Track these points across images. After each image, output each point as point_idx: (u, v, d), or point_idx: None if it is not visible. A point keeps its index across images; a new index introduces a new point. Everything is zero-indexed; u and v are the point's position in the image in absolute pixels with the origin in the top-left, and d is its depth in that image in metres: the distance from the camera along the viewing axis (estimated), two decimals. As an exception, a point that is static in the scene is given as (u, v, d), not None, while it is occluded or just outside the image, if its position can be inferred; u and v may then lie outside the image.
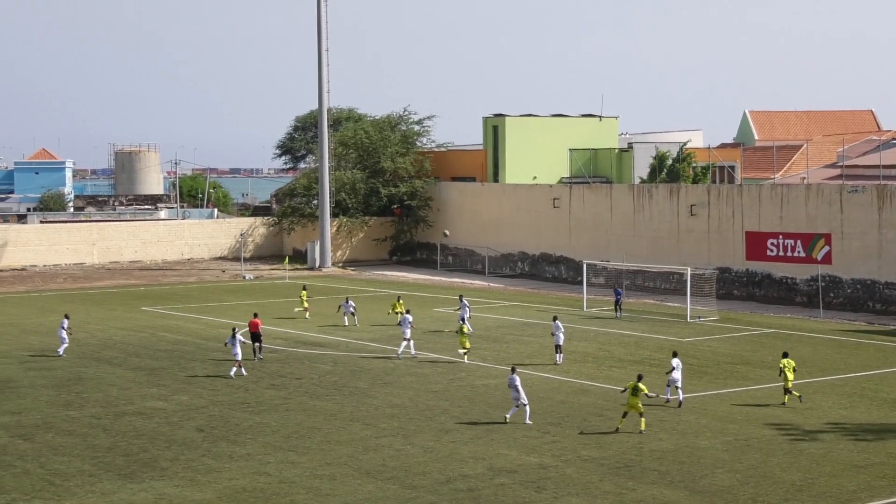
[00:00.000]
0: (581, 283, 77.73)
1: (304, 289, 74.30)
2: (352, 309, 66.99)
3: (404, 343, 55.70)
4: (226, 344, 52.90)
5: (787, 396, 44.84)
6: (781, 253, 78.12)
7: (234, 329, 53.03)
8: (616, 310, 70.98)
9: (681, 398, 44.55)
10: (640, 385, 40.54)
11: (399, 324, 57.26)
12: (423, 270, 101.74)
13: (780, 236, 78.17)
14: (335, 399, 46.36)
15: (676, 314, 70.95)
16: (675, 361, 45.07)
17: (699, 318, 68.91)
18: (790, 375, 44.95)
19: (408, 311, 58.67)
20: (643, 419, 40.39)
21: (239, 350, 51.37)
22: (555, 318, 55.50)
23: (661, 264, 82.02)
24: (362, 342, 60.70)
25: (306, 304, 70.85)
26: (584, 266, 77.63)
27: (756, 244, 79.60)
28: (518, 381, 41.73)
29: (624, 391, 41.87)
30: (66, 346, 57.03)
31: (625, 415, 40.70)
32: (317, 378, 50.84)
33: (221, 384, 49.42)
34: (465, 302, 65.54)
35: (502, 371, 51.55)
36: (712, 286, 74.61)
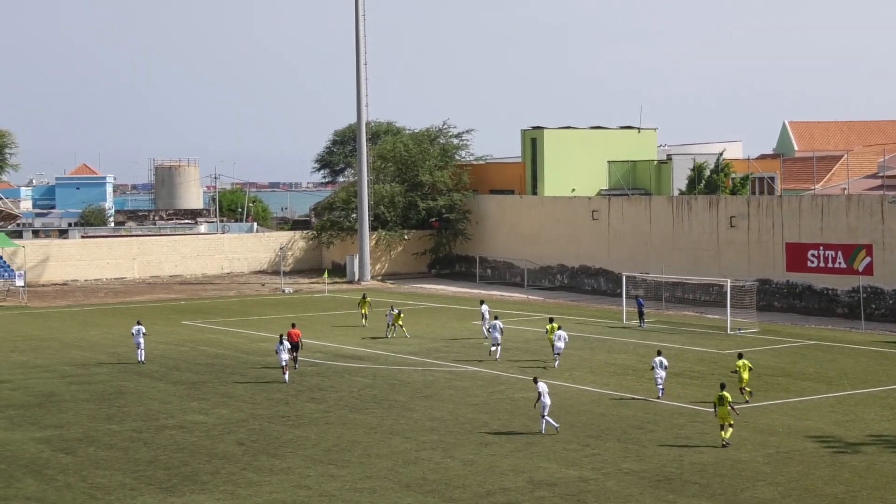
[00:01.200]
0: (620, 295, 77.54)
1: (365, 297, 74.17)
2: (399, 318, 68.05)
3: (495, 348, 58.61)
4: (276, 351, 53.85)
5: (746, 395, 46.83)
6: (822, 264, 77.67)
7: (281, 336, 54.58)
8: (641, 320, 71.25)
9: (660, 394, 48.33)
10: (725, 394, 40.45)
11: (489, 330, 60.52)
12: (462, 283, 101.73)
13: (821, 247, 77.73)
14: (375, 412, 46.40)
15: (716, 326, 70.65)
16: (657, 360, 48.20)
17: (739, 329, 68.60)
18: (745, 375, 46.83)
19: (496, 318, 60.72)
20: (730, 429, 40.29)
21: (285, 356, 52.95)
22: (558, 328, 57.69)
23: (700, 276, 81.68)
24: (402, 355, 60.74)
25: (364, 311, 72.13)
26: (624, 278, 77.41)
27: (796, 255, 79.19)
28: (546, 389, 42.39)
29: (714, 408, 41.14)
30: (142, 351, 59.10)
31: (722, 427, 40.35)
32: (356, 391, 50.90)
33: (261, 398, 49.57)
34: (485, 308, 67.42)
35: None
36: (752, 298, 74.23)
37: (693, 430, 42.19)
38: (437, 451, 39.69)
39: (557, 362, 56.35)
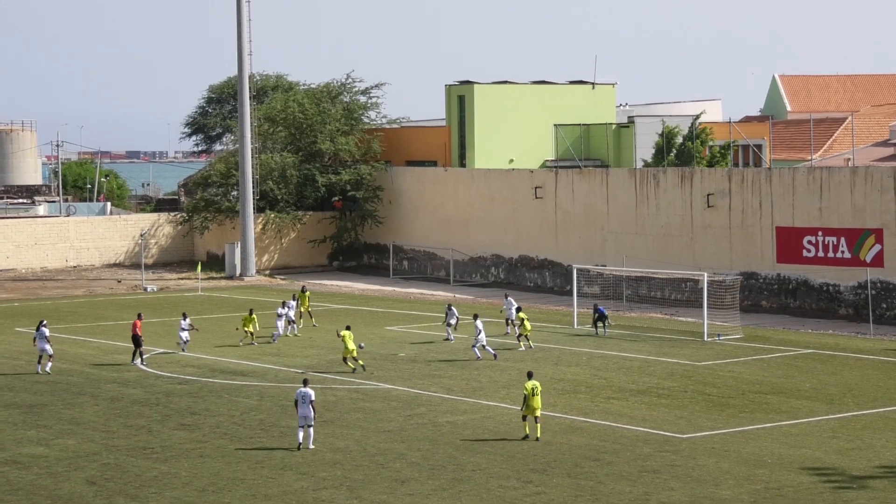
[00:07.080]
0: (570, 292, 77.80)
1: (304, 291, 78.02)
2: (291, 315, 71.60)
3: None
4: (34, 339, 60.72)
5: (352, 364, 59.05)
6: (821, 253, 78.33)
7: (41, 322, 61.44)
8: (600, 326, 70.94)
9: (490, 352, 62.01)
10: (536, 383, 45.64)
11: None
12: (372, 279, 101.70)
13: (820, 233, 78.42)
14: (262, 441, 46.32)
15: (690, 331, 71.16)
16: (479, 323, 62.78)
17: (718, 335, 69.16)
18: (350, 345, 58.81)
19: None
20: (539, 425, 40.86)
21: (47, 346, 59.80)
22: (506, 296, 71.47)
23: (670, 269, 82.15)
24: (296, 370, 60.64)
25: (307, 307, 75.81)
26: (574, 272, 77.66)
27: (789, 243, 79.84)
28: (312, 397, 44.54)
29: None
30: (186, 342, 66.00)
31: (525, 419, 42.72)
32: (238, 416, 50.77)
33: (117, 424, 49.29)
34: (291, 304, 72.46)
35: (471, 405, 51.64)
36: (735, 296, 74.82)
37: (661, 461, 42.49)
38: (341, 491, 39.71)
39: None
